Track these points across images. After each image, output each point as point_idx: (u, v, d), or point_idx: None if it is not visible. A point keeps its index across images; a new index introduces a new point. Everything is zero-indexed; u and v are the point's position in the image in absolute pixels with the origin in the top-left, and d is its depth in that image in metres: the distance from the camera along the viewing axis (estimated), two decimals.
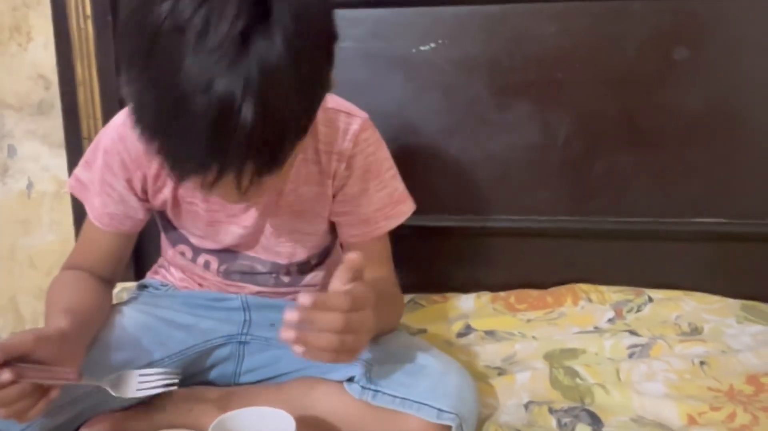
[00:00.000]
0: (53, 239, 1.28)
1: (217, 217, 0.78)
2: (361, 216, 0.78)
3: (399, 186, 0.82)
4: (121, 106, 1.11)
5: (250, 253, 0.81)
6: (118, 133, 0.74)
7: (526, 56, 1.06)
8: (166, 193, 0.76)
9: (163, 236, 0.86)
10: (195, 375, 0.81)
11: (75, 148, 1.18)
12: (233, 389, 0.80)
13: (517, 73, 1.07)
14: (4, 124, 1.25)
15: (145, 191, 0.76)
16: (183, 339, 0.79)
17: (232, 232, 0.78)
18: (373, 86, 1.09)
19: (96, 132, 1.15)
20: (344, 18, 1.06)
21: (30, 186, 1.27)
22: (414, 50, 1.07)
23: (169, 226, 0.82)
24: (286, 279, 0.83)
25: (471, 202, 1.12)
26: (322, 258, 0.86)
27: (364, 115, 0.79)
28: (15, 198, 1.27)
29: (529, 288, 1.10)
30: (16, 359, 0.58)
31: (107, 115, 1.14)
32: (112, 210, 0.77)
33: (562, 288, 1.09)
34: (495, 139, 1.09)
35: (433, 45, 1.07)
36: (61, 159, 1.23)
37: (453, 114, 1.09)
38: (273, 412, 0.62)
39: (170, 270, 0.89)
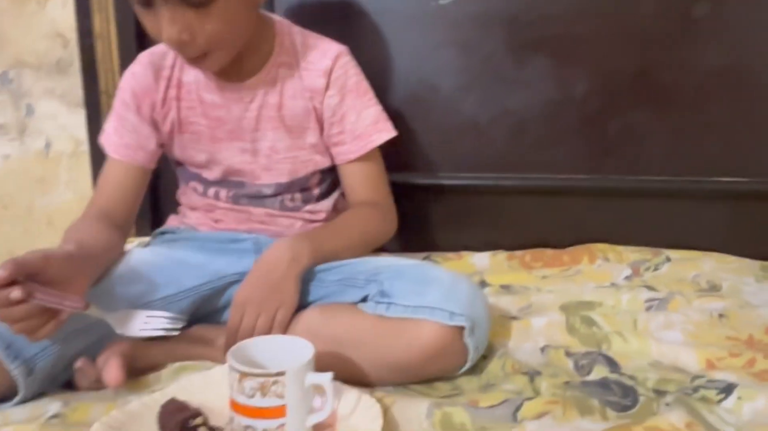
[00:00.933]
0: (71, 198, 1.29)
1: (218, 134, 0.86)
2: (354, 132, 0.87)
3: (381, 110, 0.91)
4: None
5: (255, 181, 0.88)
6: (130, 71, 0.87)
7: (543, 12, 1.05)
8: (173, 115, 0.86)
9: (179, 180, 0.93)
10: (210, 315, 0.82)
11: (93, 101, 1.18)
12: None
13: (535, 28, 1.06)
14: (23, 83, 1.25)
15: (154, 118, 0.86)
16: (196, 276, 0.80)
17: (233, 149, 0.87)
18: (390, 42, 1.09)
19: (114, 85, 1.16)
20: None
21: (48, 145, 1.28)
22: (432, 4, 1.06)
23: (180, 165, 0.91)
24: (290, 203, 0.90)
25: (487, 160, 1.11)
26: (324, 191, 0.92)
27: (343, 46, 0.89)
28: (33, 157, 1.28)
29: (544, 247, 1.10)
30: (26, 277, 0.59)
31: (125, 69, 1.14)
32: (127, 140, 0.85)
33: (579, 248, 1.08)
34: (512, 96, 1.08)
35: None
36: (79, 117, 1.24)
37: (470, 70, 1.08)
38: (291, 339, 0.63)
39: (186, 213, 0.93)
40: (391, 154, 1.05)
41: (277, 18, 0.88)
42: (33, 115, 1.27)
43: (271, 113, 0.85)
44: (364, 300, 0.75)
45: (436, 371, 0.73)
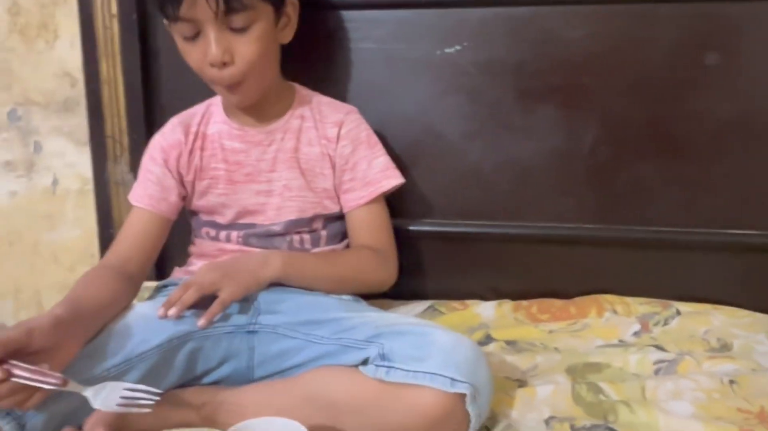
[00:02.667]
0: (77, 235, 1.30)
1: (235, 177, 0.93)
2: (365, 179, 0.94)
3: (390, 160, 0.97)
4: (145, 104, 1.14)
5: (266, 222, 0.93)
6: (160, 133, 0.96)
7: (552, 60, 1.04)
8: (196, 162, 0.94)
9: (193, 231, 1.00)
10: (207, 373, 0.82)
11: (99, 145, 1.19)
12: (247, 385, 0.80)
13: (543, 77, 1.04)
14: (31, 120, 1.26)
15: (179, 171, 0.94)
16: (191, 323, 0.80)
17: (249, 191, 0.93)
18: (395, 89, 1.08)
19: (120, 130, 1.16)
20: (366, 19, 1.06)
21: (55, 182, 1.28)
22: (438, 52, 1.05)
23: (196, 215, 0.97)
24: (298, 245, 0.94)
25: (493, 208, 1.10)
26: (332, 235, 0.96)
27: (353, 107, 0.98)
28: (40, 194, 1.29)
29: (551, 296, 1.08)
30: (11, 354, 0.61)
31: (131, 113, 1.14)
32: (150, 191, 0.92)
33: (587, 299, 1.06)
34: (519, 144, 1.07)
35: (457, 47, 1.05)
36: (86, 156, 1.24)
37: (476, 118, 1.07)
38: (285, 422, 0.62)
39: (193, 262, 0.96)
40: (396, 201, 1.04)
41: (295, 83, 0.98)
42: (41, 152, 1.28)
43: (288, 155, 0.93)
44: (365, 362, 0.73)
45: None
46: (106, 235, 1.23)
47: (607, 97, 1.04)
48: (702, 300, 1.04)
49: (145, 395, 0.67)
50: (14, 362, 0.61)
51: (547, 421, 0.76)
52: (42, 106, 1.25)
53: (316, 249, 0.94)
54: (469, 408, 0.69)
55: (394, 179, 0.95)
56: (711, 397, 0.79)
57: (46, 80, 1.24)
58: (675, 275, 1.07)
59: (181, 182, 0.94)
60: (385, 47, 1.06)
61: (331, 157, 0.93)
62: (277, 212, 0.93)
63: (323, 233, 0.95)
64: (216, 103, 0.96)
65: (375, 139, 0.96)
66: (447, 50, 1.05)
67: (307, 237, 0.94)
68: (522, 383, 0.85)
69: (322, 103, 0.96)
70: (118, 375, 0.74)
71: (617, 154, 1.05)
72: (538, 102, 1.05)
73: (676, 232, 1.06)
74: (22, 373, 0.61)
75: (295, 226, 0.93)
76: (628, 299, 1.05)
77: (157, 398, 0.69)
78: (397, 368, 0.69)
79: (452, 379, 0.68)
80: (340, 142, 0.93)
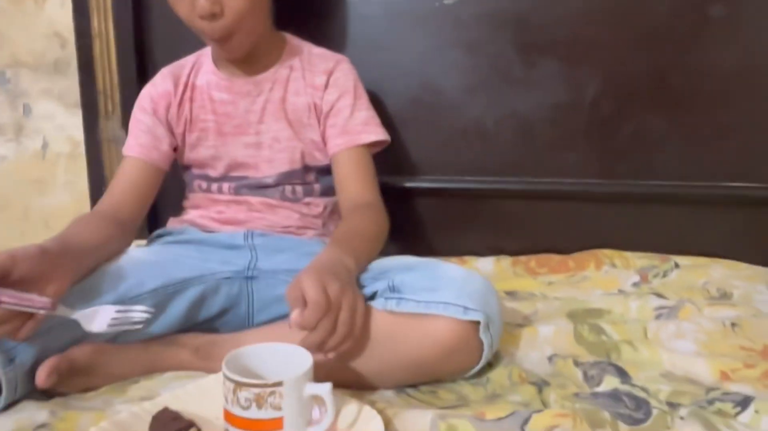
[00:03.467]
0: (67, 199, 1.27)
1: (225, 129, 0.92)
2: (345, 127, 0.91)
3: (374, 116, 0.94)
4: (137, 59, 1.12)
5: (257, 174, 0.92)
6: (151, 82, 0.94)
7: (553, 12, 1.03)
8: (185, 114, 0.92)
9: (186, 185, 0.98)
10: (207, 321, 0.80)
11: (90, 101, 1.16)
12: (248, 329, 0.78)
13: (545, 29, 1.03)
14: (20, 82, 1.23)
15: (169, 121, 0.92)
16: (187, 269, 0.79)
17: (238, 143, 0.91)
18: (394, 42, 1.07)
19: (112, 85, 1.14)
20: None
21: (45, 146, 1.26)
22: (437, 4, 1.04)
23: (188, 169, 0.96)
24: (291, 194, 0.93)
25: (493, 164, 1.09)
26: (324, 190, 0.94)
27: (345, 56, 0.95)
28: (30, 158, 1.26)
29: (550, 253, 1.07)
30: None
31: (123, 68, 1.12)
32: (142, 140, 0.91)
33: (585, 253, 1.06)
34: (520, 98, 1.06)
35: None
36: (77, 119, 1.22)
37: (477, 71, 1.06)
38: (288, 347, 0.60)
39: (187, 212, 0.94)
40: (395, 157, 1.03)
41: (287, 34, 0.95)
42: (30, 115, 1.25)
43: (275, 106, 0.91)
44: (372, 297, 0.71)
45: (450, 369, 0.70)
46: (98, 197, 1.18)
47: (610, 50, 1.03)
48: (702, 254, 1.04)
49: (137, 314, 0.66)
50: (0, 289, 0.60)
51: (550, 358, 0.75)
52: (31, 67, 1.23)
53: (307, 199, 0.93)
54: (483, 337, 0.68)
55: (374, 134, 0.91)
56: (713, 337, 0.79)
57: (36, 41, 1.21)
58: (676, 230, 1.07)
59: (172, 132, 0.92)
60: (385, 0, 1.05)
61: (317, 105, 0.91)
62: (269, 165, 0.92)
63: (316, 186, 0.94)
64: (206, 53, 0.95)
65: (362, 91, 0.94)
66: (446, 2, 1.04)
67: (299, 188, 0.93)
68: (523, 327, 0.84)
69: (313, 53, 0.94)
70: None
71: (619, 107, 1.05)
72: (540, 55, 1.04)
73: (678, 186, 1.06)
74: (9, 299, 0.60)
75: (287, 178, 0.92)
76: (627, 253, 1.05)
77: (149, 316, 0.68)
78: (409, 299, 0.68)
79: (465, 307, 0.66)
80: (327, 89, 0.91)
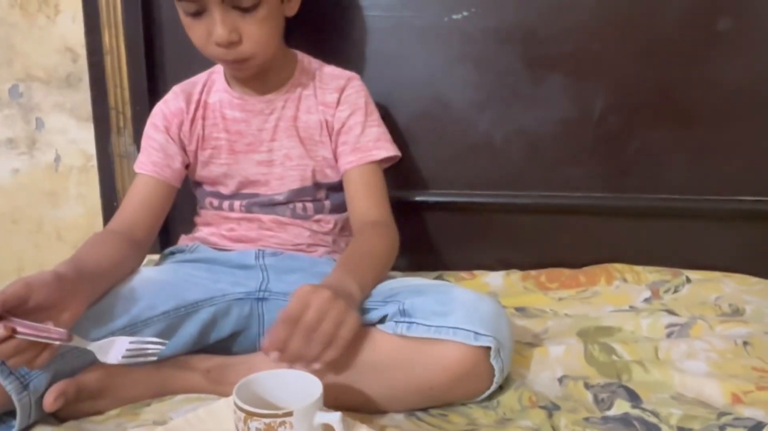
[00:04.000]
0: (80, 212, 1.29)
1: (237, 147, 0.92)
2: (356, 144, 0.91)
3: (385, 132, 0.94)
4: (149, 75, 1.13)
5: (268, 192, 0.92)
6: (163, 100, 0.95)
7: (561, 26, 1.03)
8: (198, 131, 0.93)
9: (198, 202, 0.99)
10: (218, 343, 0.81)
11: (102, 117, 1.17)
12: (258, 352, 0.78)
13: (552, 44, 1.03)
14: (32, 96, 1.25)
15: (181, 138, 0.93)
16: (200, 292, 0.79)
17: (250, 161, 0.92)
18: (403, 57, 1.07)
19: (123, 102, 1.15)
20: None
21: (58, 159, 1.27)
22: (445, 19, 1.04)
23: (200, 186, 0.96)
24: (301, 212, 0.93)
25: (502, 178, 1.09)
26: (335, 207, 0.95)
27: (356, 74, 0.96)
28: (43, 171, 1.28)
29: (560, 267, 1.07)
30: (9, 310, 0.60)
31: (134, 85, 1.13)
32: (154, 158, 0.91)
33: (596, 268, 1.05)
34: (528, 113, 1.06)
35: (465, 13, 1.04)
36: (89, 132, 1.23)
37: (485, 86, 1.06)
38: (298, 374, 0.61)
39: (199, 229, 0.95)
40: (404, 172, 1.03)
41: (298, 52, 0.96)
42: (43, 128, 1.26)
43: (288, 124, 0.92)
44: (382, 321, 0.71)
45: (460, 394, 0.70)
46: (110, 210, 1.21)
47: (617, 65, 1.03)
48: (712, 269, 1.04)
49: (152, 346, 0.66)
50: (16, 319, 0.60)
51: (560, 380, 0.75)
52: (44, 82, 1.24)
53: (318, 216, 0.93)
54: (493, 362, 0.67)
55: (385, 150, 0.91)
56: (725, 357, 0.78)
57: (48, 56, 1.22)
58: (685, 244, 1.07)
59: (184, 150, 0.93)
60: (392, 14, 1.05)
61: (329, 122, 0.92)
62: (280, 182, 0.92)
63: (327, 203, 0.94)
64: (218, 70, 0.95)
65: (373, 108, 0.94)
66: (454, 16, 1.04)
67: (310, 205, 0.93)
68: (533, 345, 0.84)
69: (324, 71, 0.95)
70: None
71: (627, 122, 1.04)
72: (547, 70, 1.04)
73: (685, 200, 1.05)
74: (26, 330, 0.60)
75: (298, 195, 0.92)
76: (638, 268, 1.04)
77: (163, 347, 0.68)
78: (419, 323, 0.68)
79: (476, 333, 0.66)
80: (339, 106, 0.92)
